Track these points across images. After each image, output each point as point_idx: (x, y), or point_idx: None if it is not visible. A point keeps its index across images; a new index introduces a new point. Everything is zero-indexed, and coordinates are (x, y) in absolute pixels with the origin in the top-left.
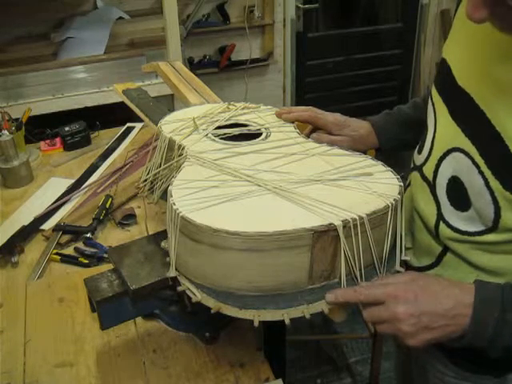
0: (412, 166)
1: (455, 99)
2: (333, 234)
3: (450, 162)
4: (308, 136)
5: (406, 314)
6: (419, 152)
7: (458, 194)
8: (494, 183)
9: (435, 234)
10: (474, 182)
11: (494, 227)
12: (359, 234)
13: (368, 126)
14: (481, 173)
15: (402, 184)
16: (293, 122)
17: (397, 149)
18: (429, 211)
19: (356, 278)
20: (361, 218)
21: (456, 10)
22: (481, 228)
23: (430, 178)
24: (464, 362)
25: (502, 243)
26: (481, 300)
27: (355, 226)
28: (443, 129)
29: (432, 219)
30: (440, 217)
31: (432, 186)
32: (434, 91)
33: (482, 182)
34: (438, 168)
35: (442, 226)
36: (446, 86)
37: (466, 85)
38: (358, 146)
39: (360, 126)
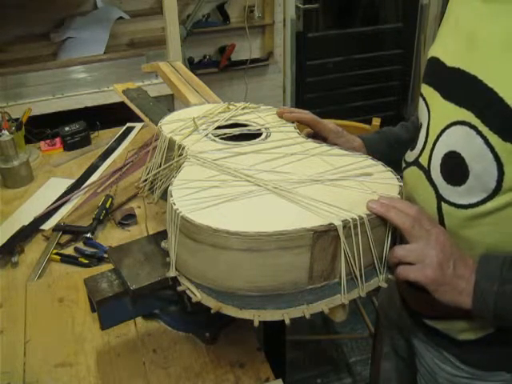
0: (404, 165)
1: (446, 80)
2: (333, 234)
3: (443, 141)
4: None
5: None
6: (412, 149)
7: (453, 169)
8: (493, 138)
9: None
10: (472, 147)
11: (497, 188)
12: (359, 234)
13: (360, 141)
14: (479, 133)
15: (401, 184)
16: (293, 122)
17: None
18: (428, 197)
19: (356, 278)
20: (361, 218)
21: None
22: (482, 196)
23: (426, 164)
24: (475, 360)
25: (504, 208)
26: (482, 275)
27: (355, 226)
28: (436, 113)
29: (433, 205)
30: (440, 199)
31: (427, 172)
32: (423, 86)
33: (482, 141)
34: (433, 152)
35: (444, 206)
36: (436, 74)
37: (455, 62)
38: None
39: (353, 139)
